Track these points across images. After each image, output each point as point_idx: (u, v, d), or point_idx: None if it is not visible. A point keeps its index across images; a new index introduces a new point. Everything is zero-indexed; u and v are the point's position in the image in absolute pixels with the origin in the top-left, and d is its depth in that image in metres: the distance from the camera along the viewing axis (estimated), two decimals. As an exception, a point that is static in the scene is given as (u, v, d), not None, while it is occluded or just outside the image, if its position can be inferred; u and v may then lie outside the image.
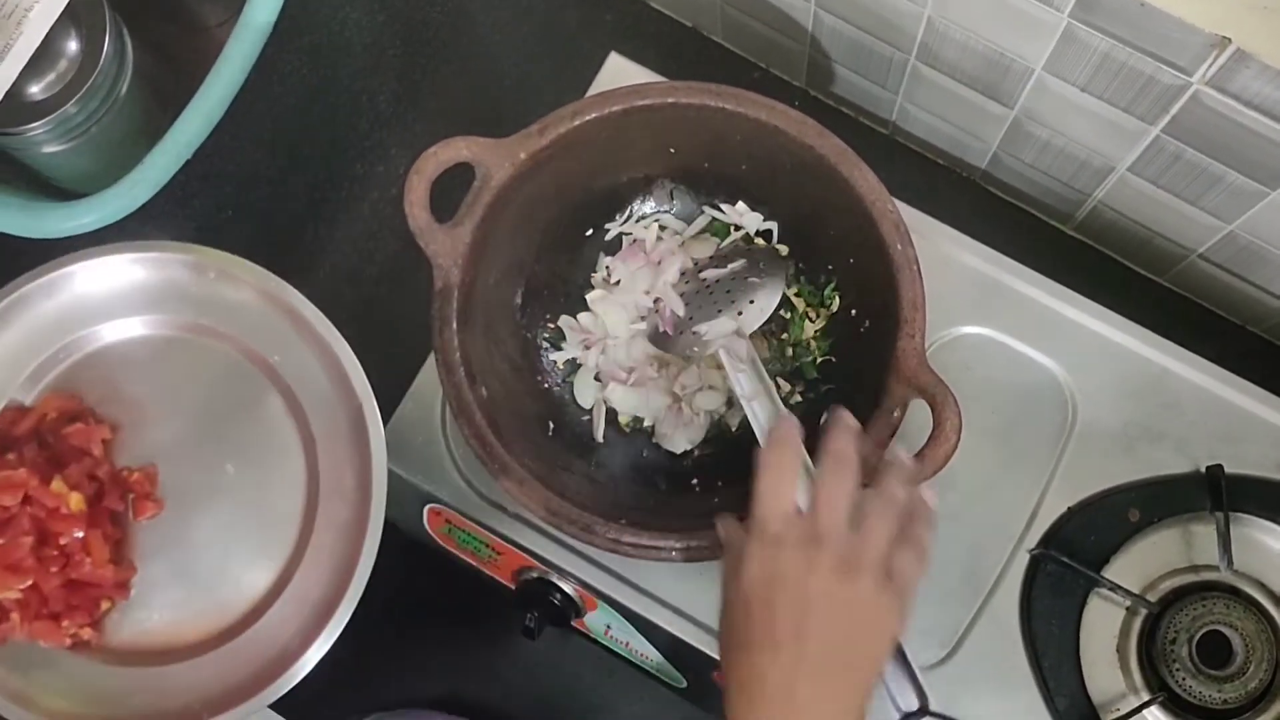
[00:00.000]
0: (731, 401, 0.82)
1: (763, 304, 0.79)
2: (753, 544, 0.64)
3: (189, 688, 0.70)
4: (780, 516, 0.65)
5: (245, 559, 0.72)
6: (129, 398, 0.74)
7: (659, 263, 0.83)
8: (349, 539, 0.71)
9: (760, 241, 0.84)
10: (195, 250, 0.75)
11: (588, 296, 0.84)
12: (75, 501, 0.69)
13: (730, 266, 0.81)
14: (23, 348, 0.73)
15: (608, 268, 0.85)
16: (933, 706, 0.69)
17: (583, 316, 0.84)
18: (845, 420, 0.68)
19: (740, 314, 0.78)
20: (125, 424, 0.74)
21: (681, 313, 0.80)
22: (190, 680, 0.70)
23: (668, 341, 0.80)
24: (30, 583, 0.68)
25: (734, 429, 0.82)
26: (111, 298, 0.75)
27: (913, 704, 0.69)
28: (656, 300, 0.82)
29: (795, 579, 0.63)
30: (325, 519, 0.72)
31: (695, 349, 0.78)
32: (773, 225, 0.83)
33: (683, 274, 0.82)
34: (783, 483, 0.65)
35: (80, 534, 0.69)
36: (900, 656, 0.68)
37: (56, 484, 0.69)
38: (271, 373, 0.74)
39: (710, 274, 0.81)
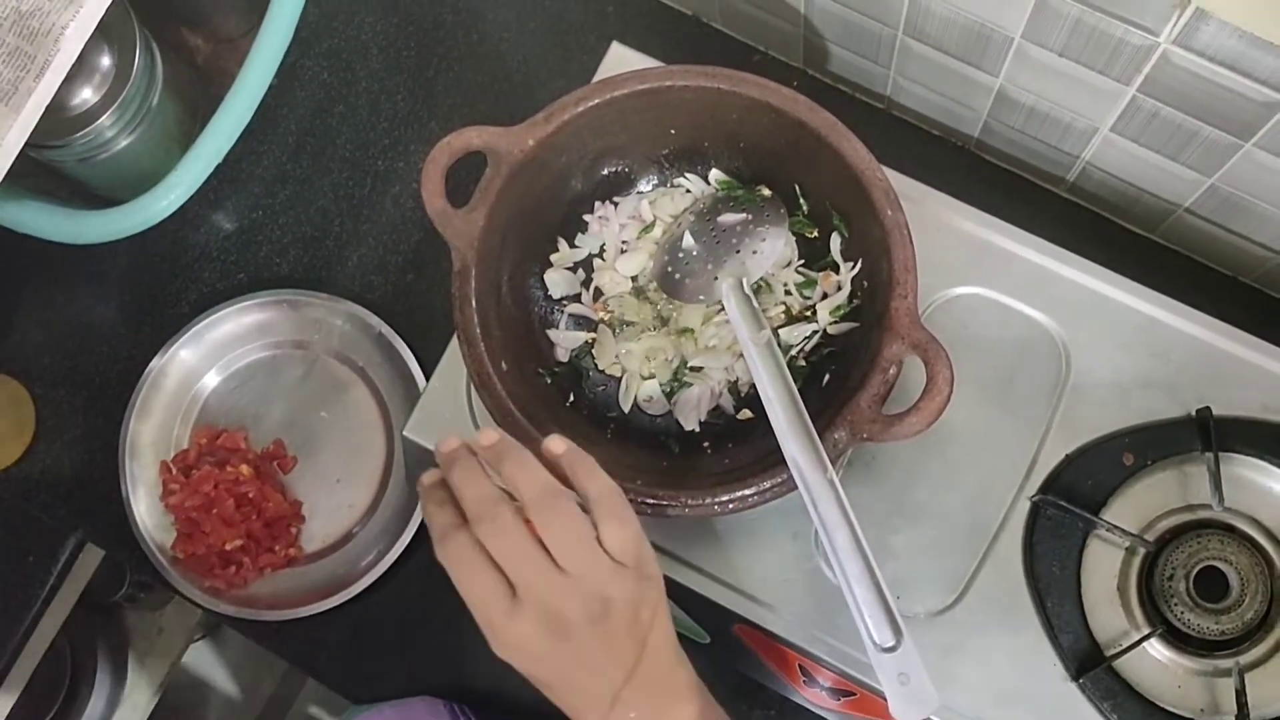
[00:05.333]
0: (733, 388, 0.86)
1: (769, 251, 0.82)
2: (496, 646, 0.64)
3: (334, 569, 1.04)
4: (496, 615, 0.63)
5: (355, 481, 1.06)
6: (256, 404, 1.08)
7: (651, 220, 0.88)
8: None
9: (764, 190, 0.87)
10: (294, 292, 1.08)
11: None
12: (245, 470, 1.03)
13: (740, 215, 0.85)
14: (171, 405, 1.08)
15: (602, 218, 0.89)
16: (908, 641, 0.71)
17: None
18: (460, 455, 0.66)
19: (744, 263, 0.82)
20: (252, 423, 1.07)
21: (694, 251, 0.84)
22: (336, 564, 1.04)
23: (677, 286, 0.84)
24: (244, 532, 1.01)
25: (736, 415, 0.85)
26: (230, 339, 1.08)
27: (889, 639, 0.71)
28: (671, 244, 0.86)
29: (554, 659, 0.63)
30: (399, 453, 1.04)
31: (703, 295, 0.82)
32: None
33: (696, 216, 0.86)
34: (475, 582, 0.63)
35: (256, 487, 1.02)
36: (876, 591, 0.71)
37: (229, 468, 1.03)
38: (354, 365, 1.08)
39: (726, 218, 0.85)
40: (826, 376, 0.83)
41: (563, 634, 0.63)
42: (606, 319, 0.88)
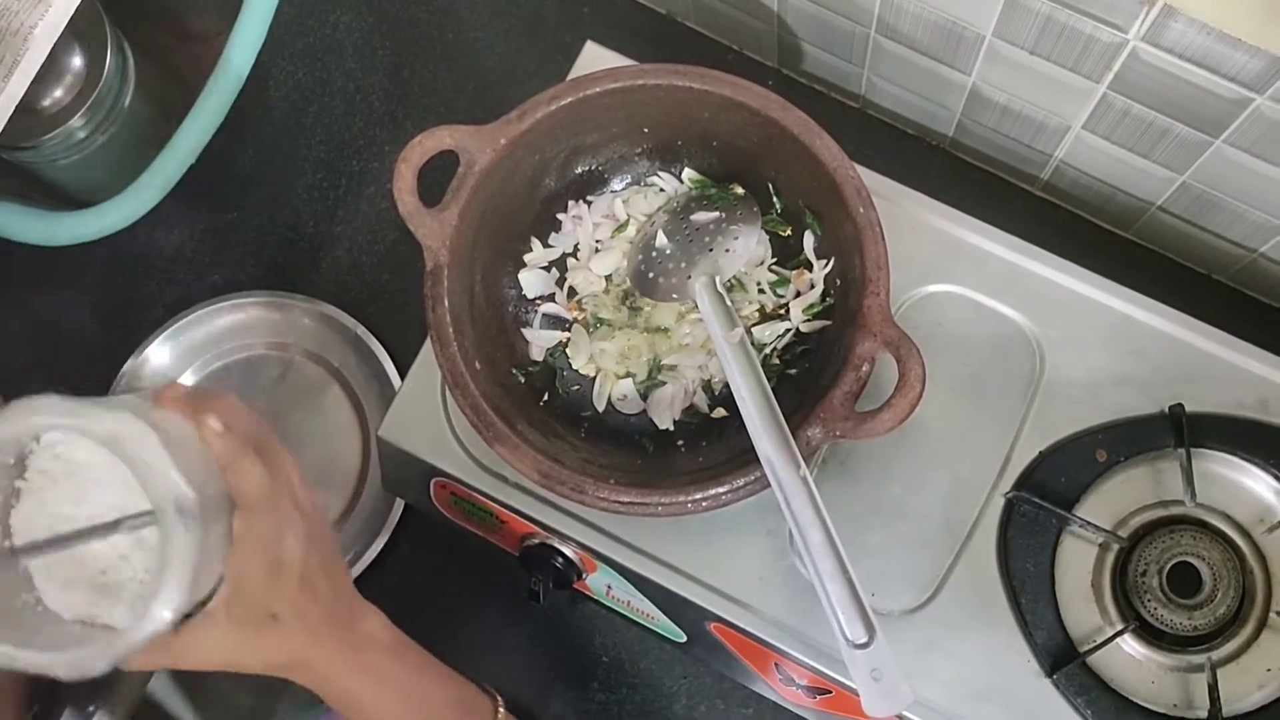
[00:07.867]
0: (706, 386, 0.86)
1: (742, 249, 0.83)
2: None
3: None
4: None
5: (331, 483, 1.04)
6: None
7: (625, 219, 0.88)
8: None
9: (738, 189, 0.87)
10: (269, 293, 1.07)
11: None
12: None
13: (714, 213, 0.85)
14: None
15: (575, 217, 0.89)
16: (880, 638, 0.71)
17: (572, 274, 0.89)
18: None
19: (717, 261, 0.82)
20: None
21: (668, 250, 0.84)
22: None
23: (651, 284, 0.84)
24: None
25: (710, 414, 0.85)
26: (205, 341, 1.07)
27: (861, 636, 0.71)
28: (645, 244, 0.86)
29: None
30: (374, 455, 1.03)
31: (677, 294, 0.82)
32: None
33: (670, 214, 0.86)
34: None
35: None
36: (849, 588, 0.71)
37: None
38: (329, 367, 1.07)
39: (699, 216, 0.85)
40: (799, 374, 0.83)
41: None
42: (581, 318, 0.87)
